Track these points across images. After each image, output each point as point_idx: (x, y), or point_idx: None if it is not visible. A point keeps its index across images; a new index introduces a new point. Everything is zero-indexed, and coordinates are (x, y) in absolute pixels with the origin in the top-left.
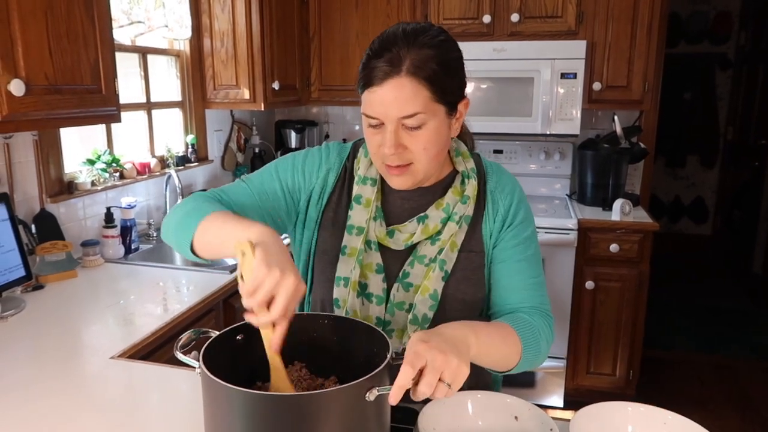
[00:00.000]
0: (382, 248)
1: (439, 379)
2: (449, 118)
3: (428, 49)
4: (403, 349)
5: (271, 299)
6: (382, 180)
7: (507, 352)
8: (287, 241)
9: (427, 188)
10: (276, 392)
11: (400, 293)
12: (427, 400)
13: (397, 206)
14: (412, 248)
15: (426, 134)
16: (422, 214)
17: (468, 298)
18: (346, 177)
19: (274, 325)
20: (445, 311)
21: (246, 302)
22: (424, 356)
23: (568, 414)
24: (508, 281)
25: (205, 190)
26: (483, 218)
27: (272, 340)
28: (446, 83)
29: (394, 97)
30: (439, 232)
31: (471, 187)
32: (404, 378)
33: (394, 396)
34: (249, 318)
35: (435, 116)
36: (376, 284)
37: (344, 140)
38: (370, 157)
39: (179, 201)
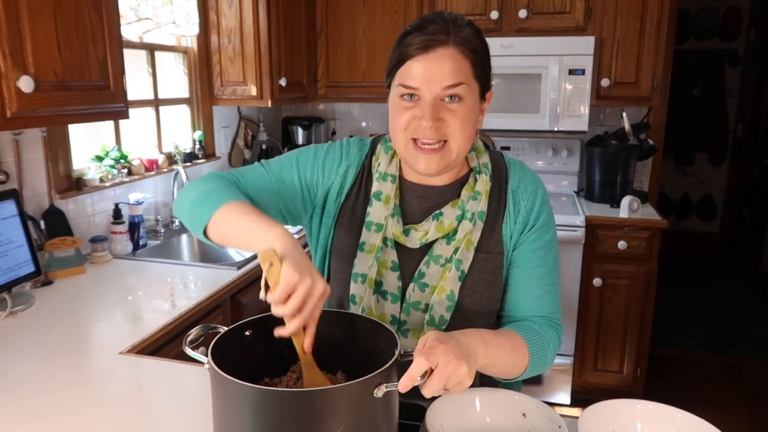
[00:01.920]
0: (398, 246)
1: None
2: (480, 102)
3: (468, 28)
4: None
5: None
6: (401, 178)
7: (513, 363)
8: (303, 233)
9: (444, 187)
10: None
11: (416, 293)
12: (434, 397)
13: (414, 205)
14: (427, 247)
15: (464, 109)
16: (437, 212)
17: (485, 300)
18: (364, 174)
19: (303, 329)
20: (462, 313)
21: (277, 311)
22: (438, 356)
23: (574, 411)
24: (523, 288)
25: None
26: (504, 219)
27: (304, 343)
28: (485, 63)
29: (440, 66)
30: (455, 232)
31: (482, 183)
32: (417, 369)
33: (404, 385)
34: (279, 331)
35: (472, 93)
36: (391, 282)
37: (351, 136)
38: (389, 153)
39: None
